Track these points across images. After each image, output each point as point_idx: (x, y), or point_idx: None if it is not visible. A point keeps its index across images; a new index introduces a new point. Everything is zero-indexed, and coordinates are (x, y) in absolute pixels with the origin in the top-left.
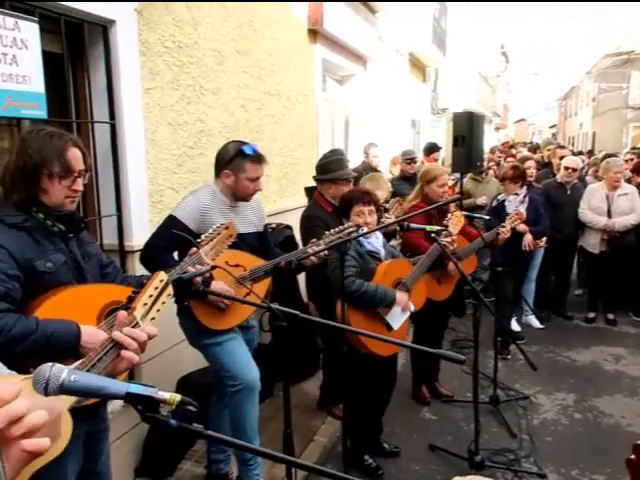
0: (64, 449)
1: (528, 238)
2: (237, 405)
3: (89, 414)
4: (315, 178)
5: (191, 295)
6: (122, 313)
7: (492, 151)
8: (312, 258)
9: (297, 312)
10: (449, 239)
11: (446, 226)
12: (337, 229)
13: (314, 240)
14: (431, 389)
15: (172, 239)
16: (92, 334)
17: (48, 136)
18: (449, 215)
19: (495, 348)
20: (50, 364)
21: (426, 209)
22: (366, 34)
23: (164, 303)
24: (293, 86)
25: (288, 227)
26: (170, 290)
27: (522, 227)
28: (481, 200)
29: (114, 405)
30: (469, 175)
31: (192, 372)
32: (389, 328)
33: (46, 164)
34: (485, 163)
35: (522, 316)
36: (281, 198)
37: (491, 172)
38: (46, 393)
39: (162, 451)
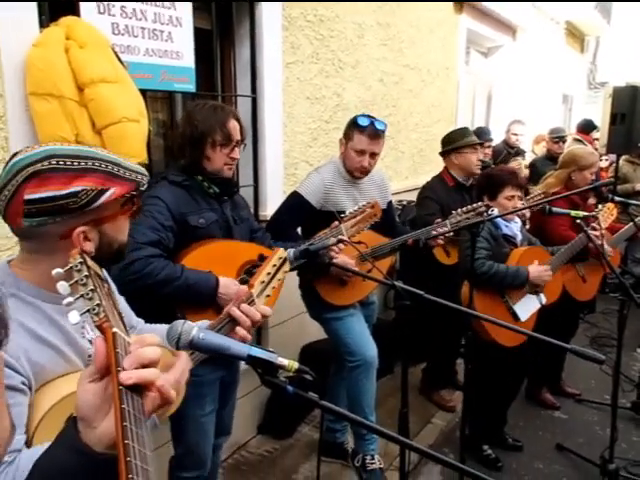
0: (203, 391)
1: None
2: (355, 380)
3: (227, 363)
4: (441, 152)
5: (316, 266)
6: (243, 289)
7: None
8: (438, 239)
9: (422, 292)
10: (597, 232)
11: (595, 217)
12: (465, 209)
13: (439, 220)
14: (554, 388)
15: (296, 215)
16: (228, 286)
17: (212, 108)
18: (600, 206)
19: None
20: (182, 321)
21: (573, 192)
22: (518, 2)
23: (280, 280)
24: (434, 59)
25: None
26: (287, 267)
27: None
28: None
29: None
30: (624, 157)
31: (315, 341)
32: (516, 318)
33: (210, 133)
34: None
35: None
36: (413, 175)
37: None
38: (177, 347)
39: (283, 412)
